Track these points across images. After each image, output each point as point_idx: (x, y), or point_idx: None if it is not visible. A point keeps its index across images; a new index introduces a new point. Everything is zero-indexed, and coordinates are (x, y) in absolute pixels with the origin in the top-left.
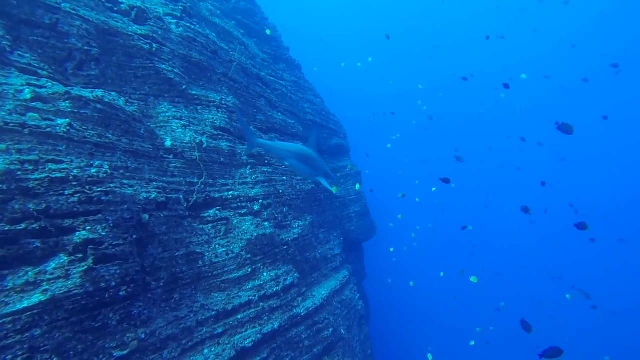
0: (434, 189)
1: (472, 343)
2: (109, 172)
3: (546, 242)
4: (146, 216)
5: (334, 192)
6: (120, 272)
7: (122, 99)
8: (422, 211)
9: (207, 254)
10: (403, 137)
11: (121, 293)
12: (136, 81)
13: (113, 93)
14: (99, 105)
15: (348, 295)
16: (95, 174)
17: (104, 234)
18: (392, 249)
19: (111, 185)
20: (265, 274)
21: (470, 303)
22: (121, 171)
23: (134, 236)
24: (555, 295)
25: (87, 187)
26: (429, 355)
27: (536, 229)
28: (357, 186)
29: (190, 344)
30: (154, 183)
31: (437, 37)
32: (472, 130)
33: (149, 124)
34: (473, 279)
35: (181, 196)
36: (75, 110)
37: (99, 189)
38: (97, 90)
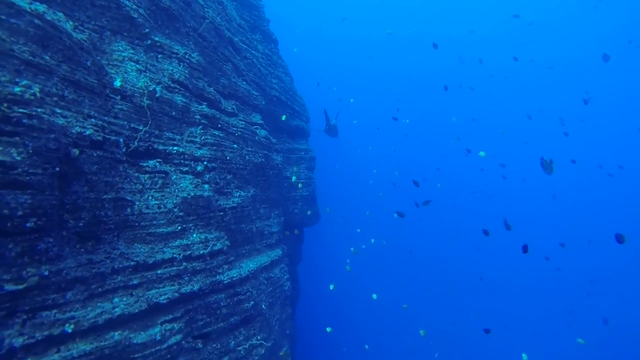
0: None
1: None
2: (38, 95)
3: None
4: (76, 151)
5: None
6: (32, 202)
7: (71, 23)
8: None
9: (137, 203)
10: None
11: (28, 224)
12: (92, 9)
13: (59, 13)
14: (36, 21)
15: (277, 273)
16: (19, 93)
17: (18, 158)
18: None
19: (38, 109)
20: (194, 235)
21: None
22: (55, 99)
23: (57, 169)
24: None
25: (4, 104)
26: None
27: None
28: (294, 178)
29: (100, 289)
30: (93, 120)
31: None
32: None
33: (99, 57)
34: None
35: (121, 140)
36: (3, 17)
37: (20, 110)
38: (38, 3)
